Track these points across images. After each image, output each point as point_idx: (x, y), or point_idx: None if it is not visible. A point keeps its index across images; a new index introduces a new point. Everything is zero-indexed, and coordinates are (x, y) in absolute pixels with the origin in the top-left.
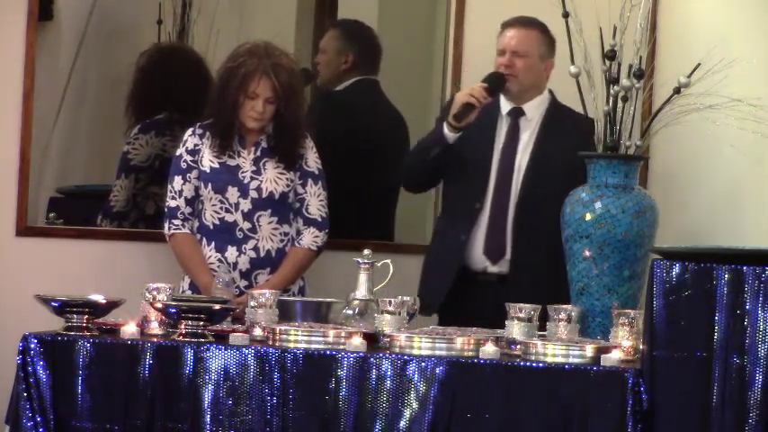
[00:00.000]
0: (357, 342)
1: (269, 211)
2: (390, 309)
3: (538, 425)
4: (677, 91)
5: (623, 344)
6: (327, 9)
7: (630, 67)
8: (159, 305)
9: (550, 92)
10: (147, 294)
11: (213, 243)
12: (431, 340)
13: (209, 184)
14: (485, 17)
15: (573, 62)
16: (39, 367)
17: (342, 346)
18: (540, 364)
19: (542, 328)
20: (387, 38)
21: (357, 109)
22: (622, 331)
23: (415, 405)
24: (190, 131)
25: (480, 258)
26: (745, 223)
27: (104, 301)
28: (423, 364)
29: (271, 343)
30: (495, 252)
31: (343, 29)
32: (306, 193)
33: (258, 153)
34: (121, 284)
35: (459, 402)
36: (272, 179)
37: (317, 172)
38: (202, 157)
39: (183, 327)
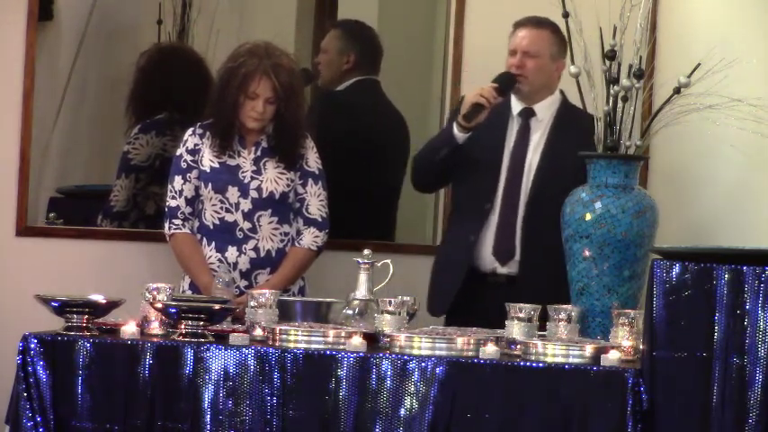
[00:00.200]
0: (357, 342)
1: (269, 210)
2: (390, 309)
3: (538, 425)
4: (677, 91)
5: (623, 344)
6: (327, 9)
7: (630, 67)
8: (159, 305)
9: (562, 92)
10: (147, 294)
11: (213, 243)
12: (431, 340)
13: (210, 184)
14: (485, 17)
15: (573, 62)
16: (39, 367)
17: (342, 346)
18: (540, 364)
19: (542, 328)
20: (387, 38)
21: (357, 109)
22: (622, 331)
23: (415, 405)
24: (190, 131)
25: (489, 259)
26: (745, 223)
27: (104, 301)
28: (423, 364)
29: (271, 343)
30: (504, 254)
31: (344, 29)
32: (306, 193)
33: (258, 153)
34: (121, 284)
35: (459, 402)
36: (273, 179)
37: (317, 172)
38: (202, 156)
39: (183, 327)
